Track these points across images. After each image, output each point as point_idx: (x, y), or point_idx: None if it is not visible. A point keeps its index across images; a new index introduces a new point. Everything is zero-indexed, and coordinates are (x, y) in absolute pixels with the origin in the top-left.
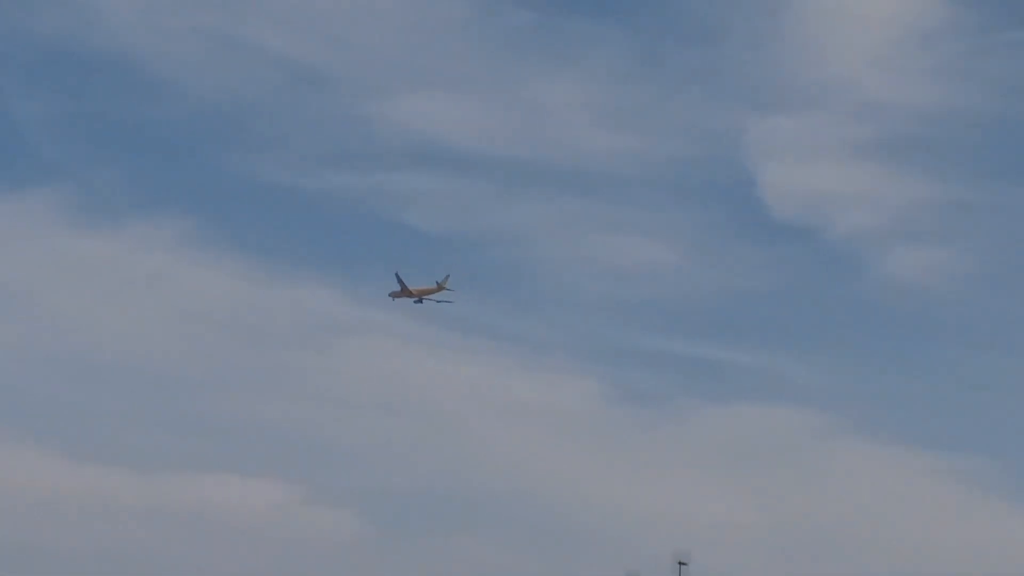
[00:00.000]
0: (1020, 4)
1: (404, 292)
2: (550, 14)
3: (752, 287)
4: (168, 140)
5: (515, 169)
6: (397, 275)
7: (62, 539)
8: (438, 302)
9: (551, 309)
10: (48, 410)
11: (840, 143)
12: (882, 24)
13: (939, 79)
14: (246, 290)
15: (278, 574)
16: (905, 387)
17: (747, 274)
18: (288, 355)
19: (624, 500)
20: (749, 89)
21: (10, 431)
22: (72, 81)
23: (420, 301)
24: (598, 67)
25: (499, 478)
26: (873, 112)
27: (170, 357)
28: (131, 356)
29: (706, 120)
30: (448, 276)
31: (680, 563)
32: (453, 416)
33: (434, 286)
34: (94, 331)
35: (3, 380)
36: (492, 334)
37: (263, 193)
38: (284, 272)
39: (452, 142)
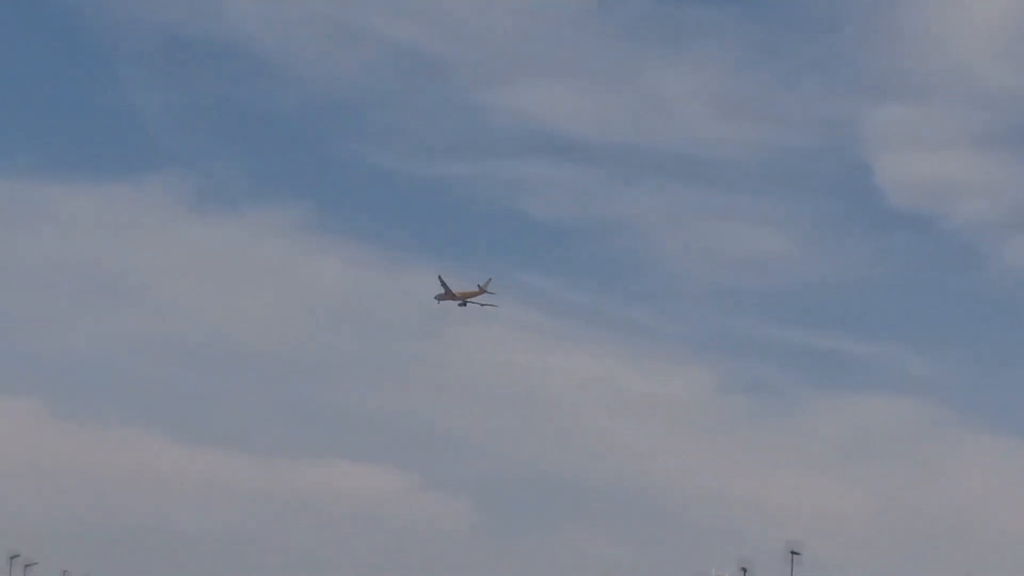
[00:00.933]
0: None
1: (448, 295)
2: (668, 3)
3: (867, 277)
4: (286, 128)
5: (630, 157)
6: (440, 278)
7: (180, 523)
8: (482, 305)
9: (665, 298)
10: (167, 396)
11: (958, 132)
12: (1001, 13)
13: None
14: (362, 277)
15: (393, 560)
16: (1021, 379)
17: (862, 264)
18: (404, 343)
19: (736, 490)
20: (866, 78)
21: (130, 417)
22: (191, 70)
23: (464, 304)
24: (715, 56)
25: (612, 468)
26: (991, 101)
27: (287, 344)
28: (249, 343)
29: (822, 109)
30: (490, 280)
31: (793, 553)
32: (566, 406)
33: (476, 289)
34: (212, 318)
35: (123, 367)
36: (605, 323)
37: (379, 181)
38: (400, 259)
39: (567, 130)
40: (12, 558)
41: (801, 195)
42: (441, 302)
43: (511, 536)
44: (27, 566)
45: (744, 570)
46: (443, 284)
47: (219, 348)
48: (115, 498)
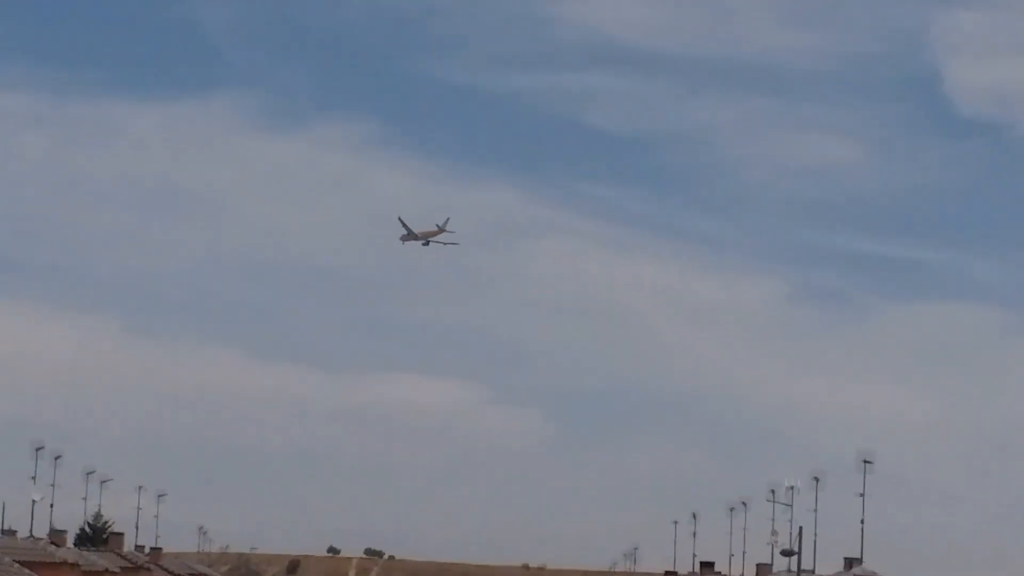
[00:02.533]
0: None
1: (411, 236)
2: None
3: (937, 184)
4: (353, 42)
5: (698, 67)
6: (400, 219)
7: (253, 438)
8: (444, 244)
9: (734, 208)
10: (237, 311)
11: None
12: None
13: None
14: (429, 191)
15: (464, 473)
16: None
17: (932, 171)
18: (473, 256)
19: (807, 399)
20: None
21: (200, 332)
22: None
23: (427, 243)
24: None
25: (682, 377)
26: None
27: (356, 258)
28: (318, 258)
29: (891, 16)
30: (448, 219)
31: (865, 461)
32: (636, 316)
33: (435, 228)
34: (281, 233)
35: (192, 283)
36: (675, 234)
37: (446, 94)
38: (467, 173)
39: (635, 41)
40: (88, 474)
41: (870, 103)
42: (405, 243)
43: (581, 448)
44: (103, 482)
45: (816, 479)
46: (404, 225)
47: (289, 263)
48: (188, 414)
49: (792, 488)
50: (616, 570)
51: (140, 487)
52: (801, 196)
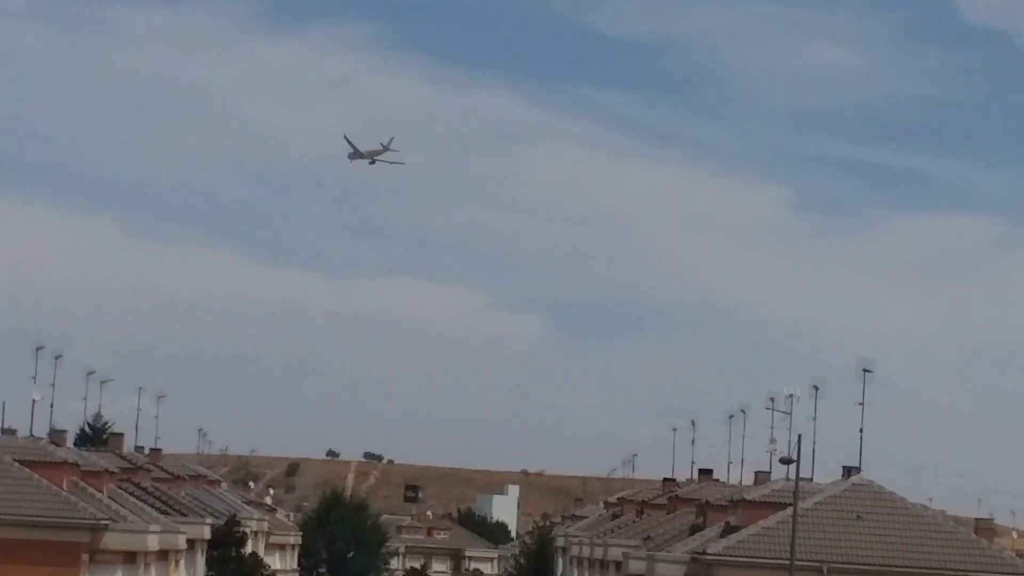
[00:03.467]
0: None
1: (357, 154)
2: None
3: (941, 93)
4: None
5: None
6: (346, 137)
7: (252, 340)
8: (391, 163)
9: (736, 115)
10: (238, 214)
11: None
12: None
13: None
14: (431, 95)
15: (463, 376)
16: None
17: (936, 80)
18: (473, 161)
19: (807, 308)
20: None
21: (201, 235)
22: None
23: (373, 162)
24: None
25: (681, 285)
26: None
27: (357, 162)
28: (319, 161)
29: None
30: (392, 139)
31: (864, 371)
32: (635, 223)
33: (380, 148)
34: (281, 136)
35: (191, 185)
36: (675, 141)
37: None
38: (470, 77)
39: None
40: (88, 374)
41: (875, 10)
42: (353, 161)
43: (580, 355)
44: (103, 383)
45: (816, 388)
46: (350, 144)
47: (289, 167)
48: (189, 316)
49: (791, 396)
50: (614, 476)
51: (140, 388)
52: (803, 104)
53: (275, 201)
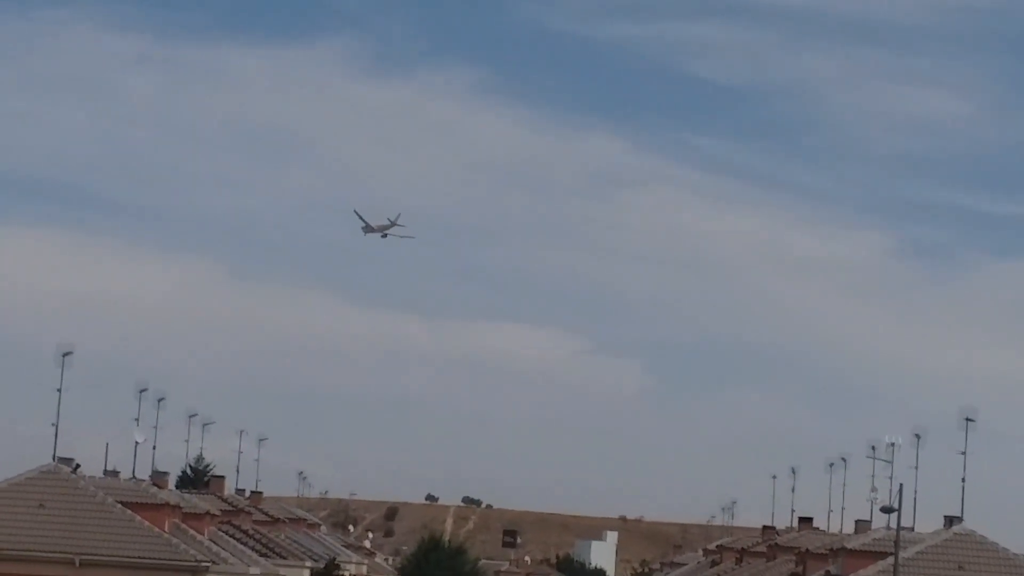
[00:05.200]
0: None
1: (369, 228)
2: None
3: None
4: None
5: (805, 18)
6: (356, 212)
7: (353, 383)
8: (401, 237)
9: (839, 161)
10: (337, 257)
11: None
12: None
13: None
14: (534, 140)
15: (563, 422)
16: None
17: None
18: (575, 206)
19: (908, 355)
20: None
21: (304, 276)
22: None
23: (385, 236)
24: None
25: (783, 331)
26: None
27: (459, 206)
28: (420, 204)
29: None
30: (399, 214)
31: (967, 419)
32: (737, 268)
33: (387, 223)
34: (383, 179)
35: (293, 226)
36: (777, 186)
37: (553, 43)
38: (572, 122)
39: None
40: (190, 417)
41: (980, 57)
42: (367, 234)
43: (680, 400)
44: (205, 425)
45: (917, 436)
46: (361, 218)
47: (391, 209)
48: (290, 358)
49: (893, 445)
50: (713, 523)
51: (241, 431)
52: (905, 150)
53: (378, 243)
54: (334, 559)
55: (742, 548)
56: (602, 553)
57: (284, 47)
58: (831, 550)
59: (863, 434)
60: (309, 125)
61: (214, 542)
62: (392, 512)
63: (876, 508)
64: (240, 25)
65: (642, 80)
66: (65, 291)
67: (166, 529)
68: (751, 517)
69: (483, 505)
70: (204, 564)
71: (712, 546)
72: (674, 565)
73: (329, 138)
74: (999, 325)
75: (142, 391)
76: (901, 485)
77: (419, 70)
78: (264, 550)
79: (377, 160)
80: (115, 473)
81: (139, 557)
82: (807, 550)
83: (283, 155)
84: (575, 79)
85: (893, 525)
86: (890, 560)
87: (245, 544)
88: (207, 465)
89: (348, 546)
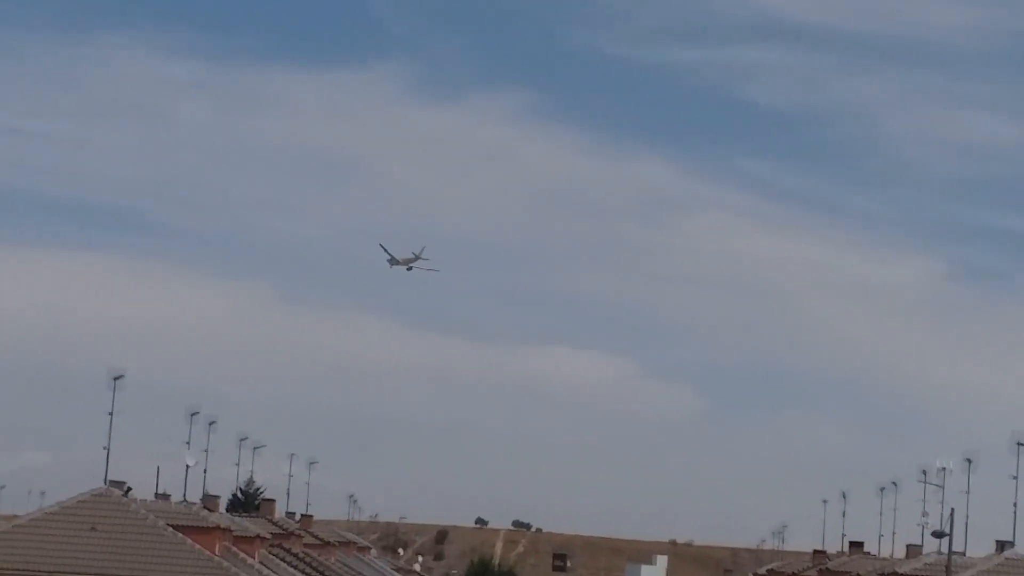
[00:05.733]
0: None
1: (395, 261)
2: None
3: None
4: (512, 13)
5: (858, 43)
6: (382, 246)
7: (403, 407)
8: (427, 270)
9: (892, 185)
10: (392, 280)
11: None
12: None
13: None
14: (586, 164)
15: (614, 447)
16: None
17: None
18: (625, 229)
19: (961, 379)
20: None
21: (352, 301)
22: None
23: (410, 268)
24: None
25: (834, 355)
26: None
27: (509, 230)
28: (470, 229)
29: None
30: (424, 247)
31: (1019, 444)
32: (789, 293)
33: (412, 256)
34: (434, 203)
35: (345, 251)
36: (831, 210)
37: (603, 67)
38: (622, 146)
39: (795, 15)
40: (241, 440)
41: None
42: (393, 267)
43: (731, 424)
44: (255, 448)
45: (969, 461)
46: (386, 251)
47: (442, 234)
48: (340, 382)
49: (944, 469)
50: (764, 548)
51: (292, 454)
52: (960, 174)
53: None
54: None
55: (793, 572)
56: None
57: (336, 72)
58: (882, 575)
59: (914, 458)
60: (360, 150)
61: (264, 565)
62: (442, 535)
63: (927, 533)
64: (293, 50)
65: (693, 104)
66: (117, 315)
67: (217, 552)
68: (802, 541)
69: (533, 529)
70: None
71: (763, 570)
72: None
73: (380, 162)
74: None
75: (193, 415)
76: (952, 509)
77: (470, 94)
78: (314, 573)
79: (428, 184)
80: (166, 496)
81: None
82: (858, 574)
83: (334, 180)
84: (625, 103)
85: (944, 550)
86: None
87: (295, 567)
88: (257, 488)
89: (398, 569)
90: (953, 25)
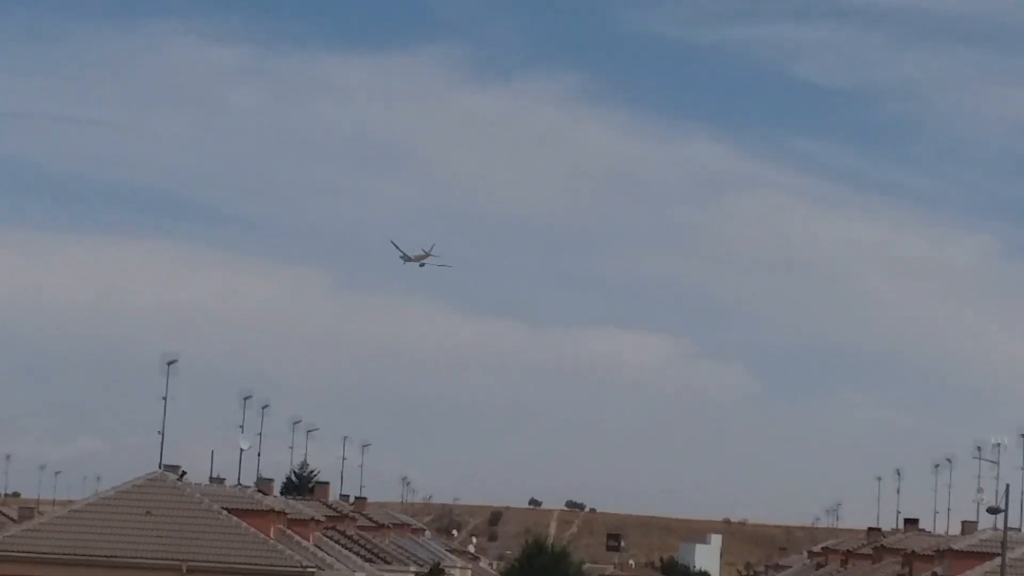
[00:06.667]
0: None
1: (406, 258)
2: None
3: None
4: None
5: (909, 19)
6: (393, 242)
7: (456, 389)
8: (439, 266)
9: (945, 163)
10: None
11: None
12: None
13: None
14: (636, 145)
15: (667, 427)
16: None
17: None
18: (677, 210)
19: (1015, 356)
20: None
21: (405, 285)
22: None
23: (423, 265)
24: None
25: (888, 333)
26: None
27: (560, 212)
28: (522, 211)
29: None
30: (433, 245)
31: None
32: (842, 271)
33: (422, 253)
34: (485, 186)
35: (397, 235)
36: (883, 189)
37: (654, 47)
38: (674, 127)
39: None
40: (295, 424)
41: None
42: (406, 263)
43: (785, 403)
44: (309, 432)
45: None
46: (397, 248)
47: (494, 217)
48: (393, 365)
49: (998, 445)
50: (818, 526)
51: (345, 437)
52: (1015, 151)
53: (481, 251)
54: (438, 564)
55: (847, 550)
56: (706, 556)
57: (385, 56)
58: (937, 551)
59: (969, 435)
60: (411, 133)
61: (319, 548)
62: (496, 516)
63: (982, 509)
64: (342, 35)
65: (745, 83)
66: (171, 301)
67: (272, 535)
68: (856, 519)
69: (587, 509)
70: (310, 570)
71: (817, 548)
72: (779, 567)
73: (432, 146)
74: None
75: (247, 399)
76: (1008, 485)
77: (520, 76)
78: (369, 555)
79: (479, 167)
80: (220, 480)
81: (245, 563)
82: (913, 552)
83: (386, 164)
84: (677, 83)
85: (1000, 526)
86: (997, 561)
87: (350, 549)
88: (311, 471)
89: (452, 551)
90: (1004, 1)
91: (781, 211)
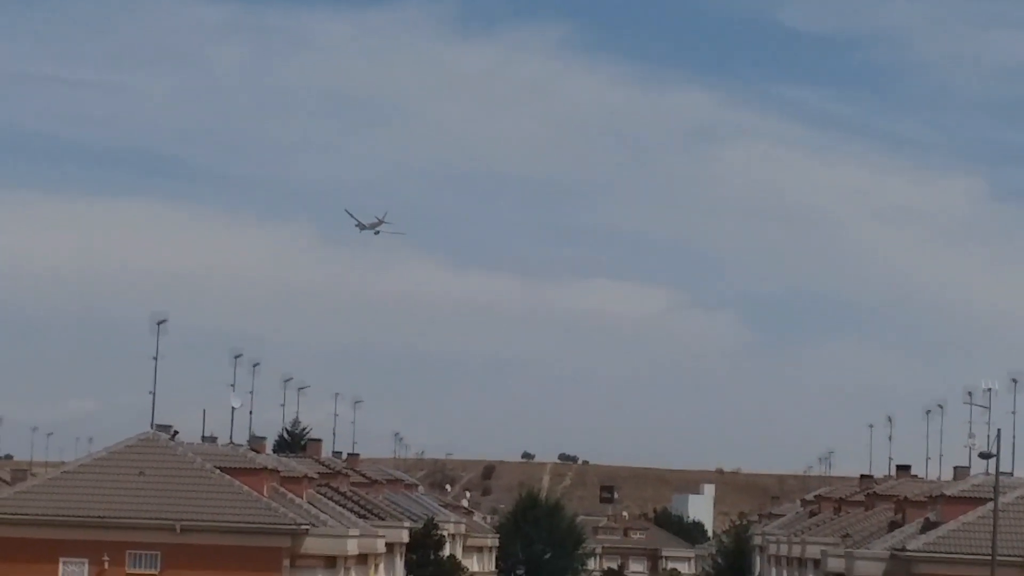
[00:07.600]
0: None
1: (360, 225)
2: None
3: None
4: None
5: None
6: (347, 211)
7: (448, 344)
8: (393, 233)
9: (930, 108)
10: (430, 219)
11: None
12: None
13: None
14: (624, 96)
15: (659, 376)
16: None
17: None
18: (666, 161)
19: (1005, 300)
20: None
21: (396, 240)
22: None
23: (377, 232)
24: None
25: (879, 280)
26: None
27: (550, 165)
28: (511, 164)
29: None
30: (386, 212)
31: None
32: (831, 219)
33: (376, 220)
34: (473, 140)
35: (386, 191)
36: (871, 135)
37: None
38: (661, 77)
39: None
40: (286, 381)
41: None
42: (361, 231)
43: (776, 351)
44: (300, 389)
45: (1015, 381)
46: (352, 216)
47: (483, 170)
48: (384, 321)
49: (990, 390)
50: (810, 474)
51: (337, 394)
52: (997, 95)
53: (469, 205)
54: (432, 519)
55: (840, 498)
56: (699, 506)
57: (369, 11)
58: (929, 497)
59: (959, 380)
60: (397, 88)
61: (313, 505)
62: (489, 471)
63: (974, 454)
64: None
65: (730, 32)
66: (159, 260)
67: (265, 493)
68: (848, 467)
69: (579, 461)
70: (303, 527)
71: (810, 496)
72: (772, 516)
73: (418, 100)
74: None
75: (237, 357)
76: (999, 430)
77: (505, 28)
78: (362, 511)
79: (467, 121)
80: (213, 439)
81: (239, 521)
82: (905, 498)
83: (372, 119)
84: (662, 33)
85: (991, 471)
86: (989, 506)
87: (343, 506)
88: (303, 429)
89: (446, 506)
90: None
91: (769, 159)
